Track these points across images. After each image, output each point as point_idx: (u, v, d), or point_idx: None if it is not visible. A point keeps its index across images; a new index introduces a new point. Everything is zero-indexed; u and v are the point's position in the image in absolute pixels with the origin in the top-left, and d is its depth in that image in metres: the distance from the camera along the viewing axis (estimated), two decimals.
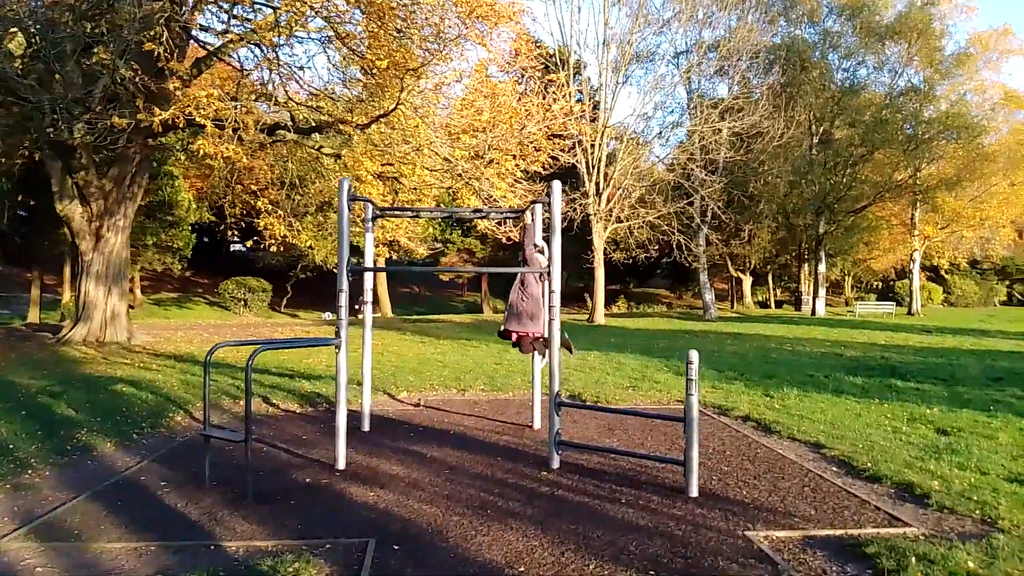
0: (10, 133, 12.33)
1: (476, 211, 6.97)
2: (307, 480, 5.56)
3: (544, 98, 15.09)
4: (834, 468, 6.06)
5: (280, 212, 18.07)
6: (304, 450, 6.52)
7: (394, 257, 31.51)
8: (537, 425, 7.49)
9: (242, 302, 34.92)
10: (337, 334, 5.78)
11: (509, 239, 18.88)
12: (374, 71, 13.42)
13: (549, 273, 5.89)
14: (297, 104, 14.51)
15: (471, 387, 10.23)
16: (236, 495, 5.13)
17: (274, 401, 9.02)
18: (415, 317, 34.16)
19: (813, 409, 8.67)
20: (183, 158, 26.48)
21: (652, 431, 7.43)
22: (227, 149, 11.19)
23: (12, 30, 15.50)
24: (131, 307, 39.05)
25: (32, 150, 14.04)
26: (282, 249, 22.71)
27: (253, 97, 12.71)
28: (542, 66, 16.67)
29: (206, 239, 39.65)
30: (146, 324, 26.75)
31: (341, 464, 5.83)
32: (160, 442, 6.86)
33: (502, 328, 6.90)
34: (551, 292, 5.86)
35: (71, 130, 11.51)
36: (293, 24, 14.28)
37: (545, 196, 5.94)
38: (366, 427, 7.34)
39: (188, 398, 8.87)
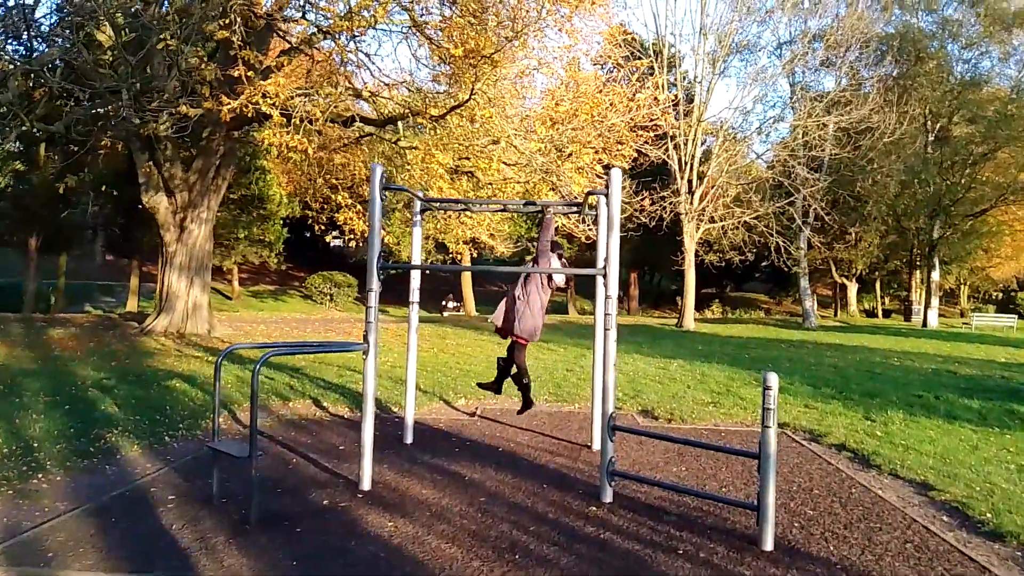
0: (90, 125, 12.41)
1: (528, 203, 6.23)
2: (324, 502, 4.96)
3: (628, 85, 14.15)
4: (945, 518, 5.02)
5: (359, 207, 17.80)
6: (335, 463, 5.94)
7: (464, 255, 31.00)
8: (596, 446, 6.68)
9: (328, 296, 35.33)
10: (365, 338, 5.15)
11: (589, 238, 18.05)
12: (449, 60, 12.89)
13: (605, 275, 5.08)
14: (370, 95, 14.12)
15: (536, 396, 9.46)
16: (240, 518, 4.57)
17: (324, 404, 8.54)
18: None
19: (921, 438, 7.50)
20: (273, 153, 26.80)
21: (728, 458, 6.50)
22: (292, 139, 10.87)
23: (103, 21, 15.84)
24: (229, 298, 40.47)
25: (114, 141, 14.17)
26: (354, 245, 22.57)
27: (323, 87, 12.34)
28: (634, 58, 15.71)
29: (307, 234, 40.42)
30: (235, 316, 27.32)
31: (366, 484, 5.21)
32: (190, 447, 6.43)
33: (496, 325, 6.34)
34: (607, 298, 5.05)
35: (143, 119, 11.45)
36: (379, 16, 13.93)
37: (604, 187, 5.14)
38: (408, 439, 6.71)
39: (237, 397, 8.51)
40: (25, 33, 10.25)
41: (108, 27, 15.64)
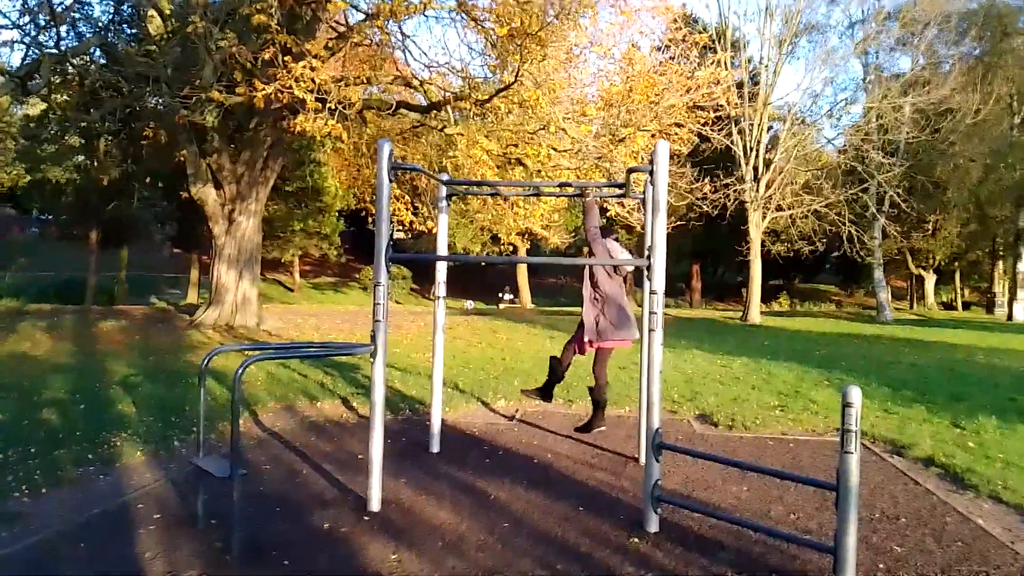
0: (130, 115, 12.17)
1: (563, 184, 5.53)
2: (325, 525, 4.34)
3: (687, 62, 13.18)
4: None
5: (407, 198, 17.29)
6: (349, 476, 5.33)
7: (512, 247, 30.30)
8: (644, 459, 5.92)
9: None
10: (373, 339, 4.51)
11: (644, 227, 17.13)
12: (495, 41, 12.21)
13: (649, 268, 4.32)
14: (418, 82, 13.55)
15: (583, 398, 8.72)
16: (224, 546, 3.99)
17: (354, 405, 7.98)
18: (554, 309, 32.86)
19: (1021, 451, 6.48)
20: (328, 145, 26.61)
21: (800, 472, 5.66)
22: (328, 126, 10.37)
23: (151, 12, 15.69)
24: (291, 290, 40.82)
25: (158, 132, 13.97)
26: (409, 236, 22.12)
27: (365, 73, 11.81)
28: (694, 42, 14.70)
29: (368, 226, 40.44)
30: (291, 309, 27.26)
31: (374, 505, 4.58)
32: (230, 447, 5.93)
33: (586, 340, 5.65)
34: (652, 293, 4.29)
35: (176, 107, 11.11)
36: (428, 1, 13.37)
37: (648, 163, 4.37)
38: (435, 447, 6.07)
39: (262, 397, 8.02)
40: (69, 19, 9.98)
41: (156, 17, 15.53)
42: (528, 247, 30.79)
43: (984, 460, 6.18)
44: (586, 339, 6.07)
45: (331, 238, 31.75)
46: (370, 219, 26.07)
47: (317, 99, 10.35)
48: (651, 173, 4.32)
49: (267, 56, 9.99)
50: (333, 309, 29.00)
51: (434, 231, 19.57)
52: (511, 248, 24.51)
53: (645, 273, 4.38)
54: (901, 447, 6.66)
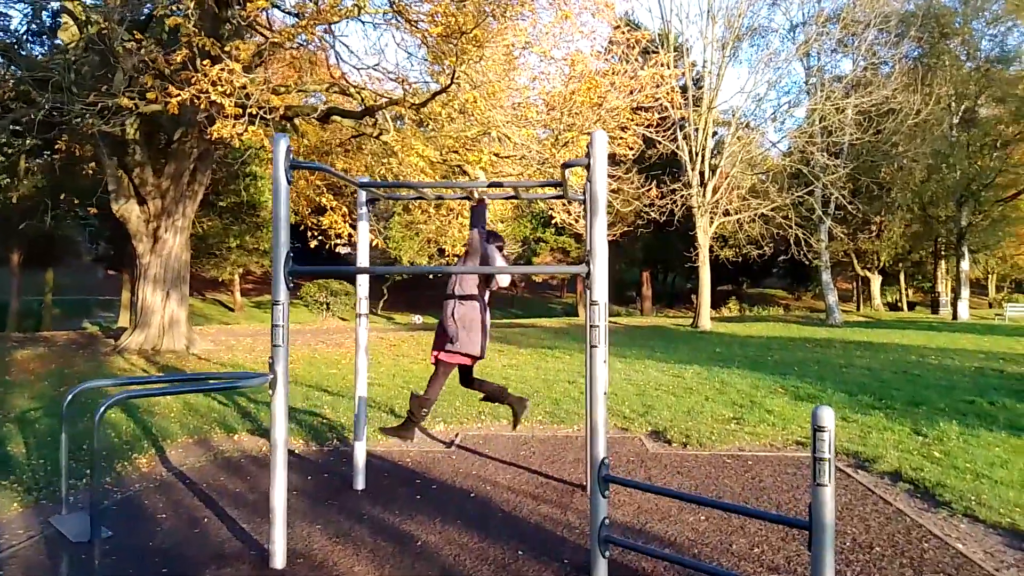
0: (38, 128, 11.24)
1: (493, 184, 4.97)
2: None
3: (629, 62, 12.76)
4: None
5: (344, 209, 16.53)
6: (257, 524, 4.64)
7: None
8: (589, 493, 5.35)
9: (324, 305, 34.07)
10: (271, 367, 3.85)
11: (608, 236, 16.67)
12: (429, 41, 11.64)
13: (588, 275, 3.75)
14: (350, 87, 12.87)
15: (528, 417, 8.13)
16: None
17: None
18: (503, 320, 32.27)
19: (989, 459, 6.12)
20: (262, 156, 25.62)
21: (763, 496, 5.16)
22: (248, 132, 9.64)
23: (65, 20, 14.72)
24: (231, 310, 39.43)
25: (70, 145, 13.01)
26: (352, 250, 21.26)
27: (291, 79, 11.10)
28: (635, 40, 14.33)
29: (312, 243, 39.32)
30: (228, 329, 26.15)
31: (278, 561, 3.90)
32: (81, 506, 5.17)
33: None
34: (592, 304, 3.72)
35: (98, 116, 10.26)
36: (363, 5, 12.74)
37: (585, 156, 3.81)
38: (359, 484, 5.41)
39: (173, 430, 7.23)
40: None
41: (72, 24, 14.55)
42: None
43: (953, 472, 5.78)
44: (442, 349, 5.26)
45: (270, 253, 30.65)
46: (310, 233, 25.21)
47: (237, 104, 9.61)
48: (588, 167, 3.77)
49: (179, 59, 9.22)
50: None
51: (380, 245, 18.88)
52: (456, 260, 23.87)
53: (584, 282, 3.81)
54: (865, 460, 6.23)
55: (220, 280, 36.23)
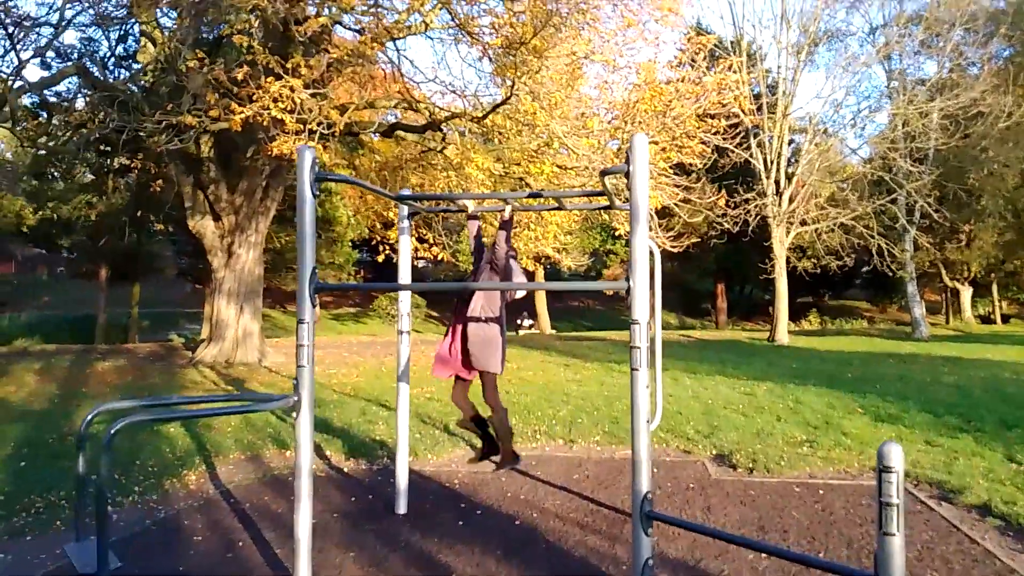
0: (123, 147, 11.65)
1: (533, 194, 4.74)
2: None
3: (695, 67, 12.32)
4: None
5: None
6: (293, 549, 4.50)
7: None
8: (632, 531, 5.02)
9: (394, 318, 34.51)
10: (296, 388, 3.71)
11: (676, 247, 16.26)
12: (490, 54, 11.53)
13: (628, 291, 3.47)
14: (416, 101, 12.89)
15: (585, 437, 7.83)
16: None
17: (328, 452, 7.16)
18: (572, 334, 31.89)
19: None
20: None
21: (831, 530, 4.74)
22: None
23: (143, 42, 15.27)
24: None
25: (146, 163, 13.44)
26: (428, 264, 21.40)
27: (355, 97, 11.18)
28: (702, 44, 13.91)
29: (380, 255, 40.07)
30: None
31: None
32: (133, 518, 5.16)
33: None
34: (633, 323, 3.43)
35: (173, 135, 10.54)
36: (429, 22, 12.82)
37: (624, 162, 3.54)
38: (401, 508, 5.23)
39: (226, 445, 7.24)
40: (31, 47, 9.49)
41: (149, 45, 15.08)
42: (544, 271, 29.91)
43: None
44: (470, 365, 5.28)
45: (345, 268, 31.16)
46: (382, 248, 25.51)
47: (298, 120, 9.69)
48: (627, 174, 3.50)
49: (240, 76, 9.37)
50: (349, 340, 28.30)
51: (445, 259, 18.92)
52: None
53: (626, 297, 3.52)
54: (950, 491, 5.69)
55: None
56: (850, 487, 5.88)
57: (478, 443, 6.15)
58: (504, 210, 5.15)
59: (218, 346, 16.33)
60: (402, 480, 5.22)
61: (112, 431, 3.13)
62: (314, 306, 3.72)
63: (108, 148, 17.54)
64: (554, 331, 34.28)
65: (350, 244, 30.79)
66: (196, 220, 16.14)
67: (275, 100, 9.37)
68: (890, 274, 29.04)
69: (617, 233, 15.94)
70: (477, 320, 5.13)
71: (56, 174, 24.71)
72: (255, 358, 16.44)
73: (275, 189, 16.95)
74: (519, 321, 35.12)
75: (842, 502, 5.47)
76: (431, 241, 17.70)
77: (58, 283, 43.92)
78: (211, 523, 5.06)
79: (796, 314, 37.36)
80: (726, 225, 22.25)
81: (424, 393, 10.72)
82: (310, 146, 3.64)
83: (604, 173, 3.86)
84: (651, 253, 4.47)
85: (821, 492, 5.74)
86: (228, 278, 16.40)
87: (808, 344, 24.07)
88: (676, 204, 13.80)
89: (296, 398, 3.65)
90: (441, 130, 13.16)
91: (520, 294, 5.10)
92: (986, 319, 42.94)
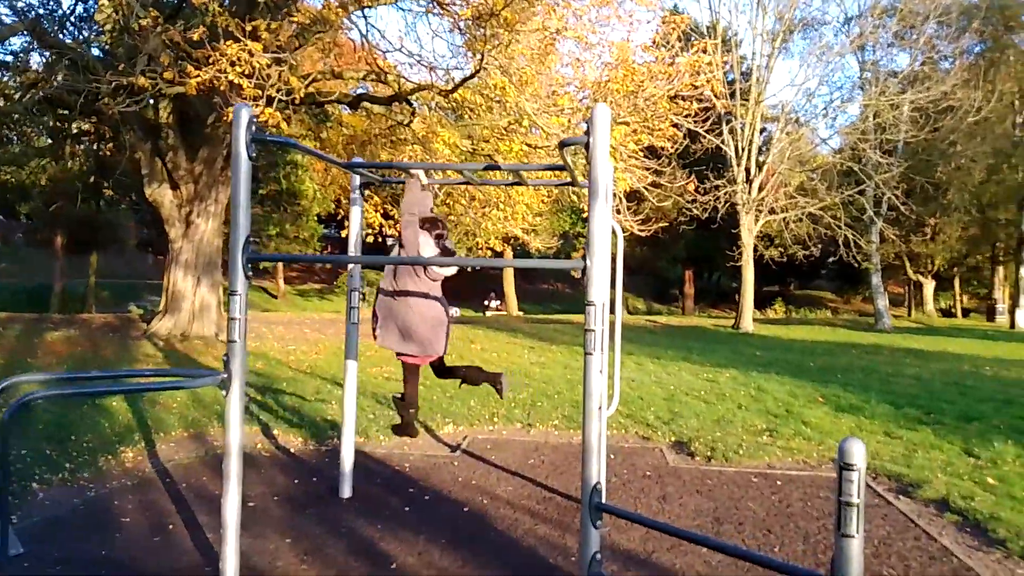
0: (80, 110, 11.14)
1: (490, 167, 4.52)
2: None
3: (668, 48, 12.11)
4: None
5: (375, 199, 16.23)
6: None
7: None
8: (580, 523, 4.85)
9: (361, 295, 33.98)
10: (227, 365, 3.45)
11: (645, 231, 16.08)
12: (461, 25, 11.20)
13: (584, 271, 3.26)
14: (384, 73, 12.51)
15: (544, 421, 7.66)
16: None
17: (275, 432, 6.89)
18: (540, 316, 31.74)
19: None
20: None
21: (785, 523, 4.60)
22: (265, 114, 9.32)
23: (102, 2, 14.64)
24: (274, 297, 39.65)
25: (104, 128, 12.91)
26: (393, 241, 21.03)
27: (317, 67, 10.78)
28: (675, 24, 13.70)
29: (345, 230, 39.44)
30: (265, 316, 26.14)
31: None
32: (60, 497, 4.86)
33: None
34: (588, 304, 3.22)
35: (129, 97, 10.06)
36: None
37: (584, 133, 3.32)
38: (346, 491, 5.00)
39: (170, 422, 6.93)
40: None
41: (107, 5, 14.46)
42: (512, 252, 29.61)
43: (1009, 503, 5.14)
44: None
45: (311, 243, 30.57)
46: (346, 222, 25.10)
47: (256, 86, 9.31)
48: (587, 146, 3.28)
49: (196, 37, 8.94)
50: (312, 317, 27.83)
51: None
52: (490, 253, 23.40)
53: (583, 279, 3.31)
54: (908, 485, 5.61)
55: (263, 268, 36.39)
56: (808, 478, 5.77)
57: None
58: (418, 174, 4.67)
59: (174, 318, 15.87)
60: (347, 462, 4.99)
61: (17, 406, 2.84)
62: (248, 277, 3.46)
63: (66, 112, 16.91)
64: (522, 312, 34.09)
65: (316, 218, 30.21)
66: (153, 188, 15.59)
67: (232, 64, 8.98)
68: (856, 265, 29.33)
69: (586, 216, 15.73)
70: (382, 291, 4.83)
71: (14, 137, 23.86)
72: (212, 332, 16.00)
73: None
74: (486, 302, 34.86)
75: (800, 494, 5.35)
76: (397, 218, 17.36)
77: (16, 251, 42.66)
78: (144, 504, 4.79)
79: (762, 303, 37.62)
80: (695, 211, 22.20)
81: (383, 373, 10.47)
82: (247, 104, 3.35)
83: (563, 144, 3.62)
84: (613, 232, 4.25)
85: (779, 483, 5.62)
86: (186, 249, 15.92)
87: (772, 332, 24.21)
88: (646, 188, 13.62)
89: (225, 375, 3.39)
90: (410, 103, 12.80)
91: (447, 271, 4.70)
92: (948, 313, 43.69)
